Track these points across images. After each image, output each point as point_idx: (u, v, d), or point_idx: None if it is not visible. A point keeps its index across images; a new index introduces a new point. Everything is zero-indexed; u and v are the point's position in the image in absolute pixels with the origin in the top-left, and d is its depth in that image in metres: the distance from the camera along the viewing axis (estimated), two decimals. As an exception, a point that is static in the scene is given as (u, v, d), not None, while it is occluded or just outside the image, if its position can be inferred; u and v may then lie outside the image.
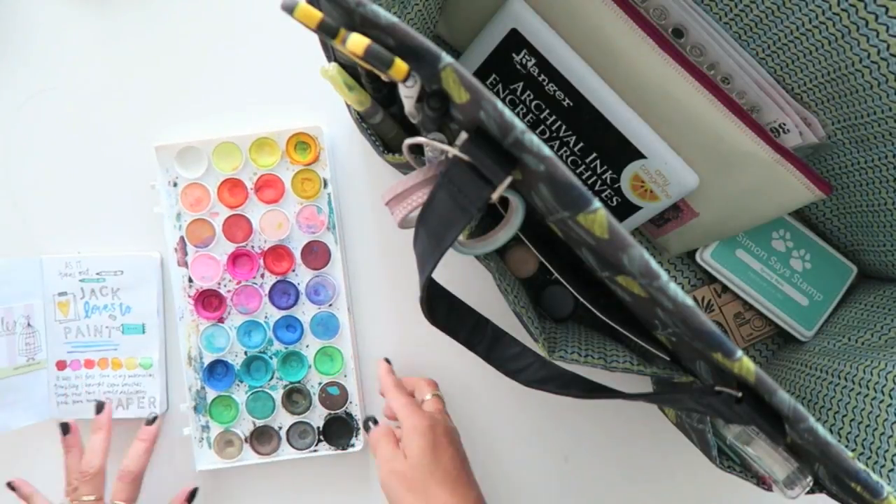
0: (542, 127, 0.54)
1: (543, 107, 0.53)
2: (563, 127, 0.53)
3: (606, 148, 0.53)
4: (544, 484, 0.67)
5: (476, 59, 0.53)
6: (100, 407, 0.62)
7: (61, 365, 0.65)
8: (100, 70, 0.66)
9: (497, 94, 0.54)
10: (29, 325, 0.64)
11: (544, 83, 0.51)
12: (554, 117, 0.53)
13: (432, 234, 0.35)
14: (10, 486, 0.60)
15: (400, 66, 0.29)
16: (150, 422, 0.63)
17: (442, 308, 0.42)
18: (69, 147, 0.67)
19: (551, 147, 0.55)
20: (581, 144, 0.53)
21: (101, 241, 0.67)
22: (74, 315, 0.65)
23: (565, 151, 0.55)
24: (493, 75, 0.53)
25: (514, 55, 0.51)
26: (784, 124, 0.50)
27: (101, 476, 0.59)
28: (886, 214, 0.53)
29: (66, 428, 0.61)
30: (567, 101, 0.51)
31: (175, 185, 0.65)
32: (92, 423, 0.61)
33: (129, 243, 0.67)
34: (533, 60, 0.50)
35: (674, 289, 0.28)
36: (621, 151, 0.52)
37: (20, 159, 0.67)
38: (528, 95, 0.53)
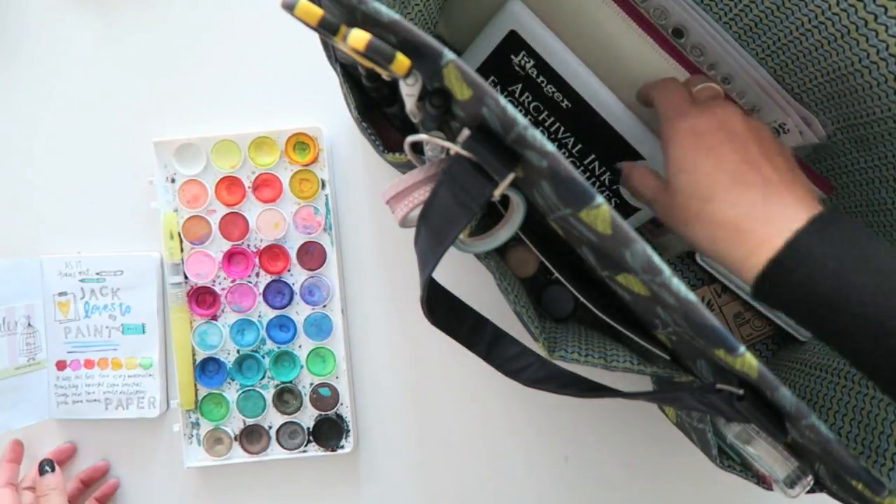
0: (541, 129, 0.54)
1: (542, 108, 0.53)
2: (562, 129, 0.53)
3: (605, 150, 0.53)
4: (544, 484, 0.67)
5: (474, 60, 0.53)
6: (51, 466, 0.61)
7: (61, 365, 0.65)
8: (100, 68, 0.67)
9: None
10: (29, 324, 0.64)
11: (543, 85, 0.51)
12: (552, 119, 0.53)
13: (434, 232, 0.35)
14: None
15: (402, 61, 0.29)
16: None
17: (442, 307, 0.42)
18: (69, 144, 0.67)
19: (551, 147, 0.55)
20: (579, 146, 0.53)
21: (101, 240, 0.67)
22: (74, 315, 0.65)
23: (563, 153, 0.55)
24: (492, 77, 0.53)
25: (512, 57, 0.51)
26: (784, 124, 0.50)
27: None
28: (886, 214, 0.53)
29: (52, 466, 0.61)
30: (565, 102, 0.51)
31: (173, 181, 0.65)
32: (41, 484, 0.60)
33: (129, 242, 0.67)
34: (532, 62, 0.50)
35: (677, 284, 0.28)
36: (619, 153, 0.52)
37: (20, 158, 0.67)
38: (527, 97, 0.53)
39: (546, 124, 0.53)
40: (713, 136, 0.40)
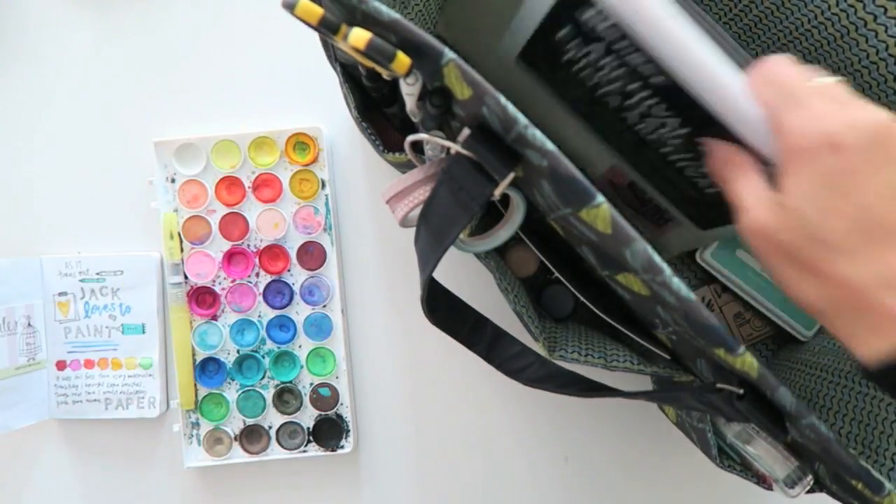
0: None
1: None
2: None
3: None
4: (544, 484, 0.67)
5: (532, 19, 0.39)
6: None
7: (61, 365, 0.65)
8: (100, 68, 0.67)
9: (571, 55, 0.38)
10: (29, 324, 0.64)
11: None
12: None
13: (434, 232, 0.35)
14: None
15: (402, 60, 0.29)
16: None
17: (442, 307, 0.42)
18: (69, 145, 0.67)
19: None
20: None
21: (101, 240, 0.67)
22: (74, 315, 0.65)
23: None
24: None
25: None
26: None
27: None
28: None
29: None
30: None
31: (173, 181, 0.65)
32: None
33: (129, 242, 0.67)
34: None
35: (677, 283, 0.28)
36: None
37: (20, 158, 0.67)
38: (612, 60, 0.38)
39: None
40: (856, 155, 0.28)
